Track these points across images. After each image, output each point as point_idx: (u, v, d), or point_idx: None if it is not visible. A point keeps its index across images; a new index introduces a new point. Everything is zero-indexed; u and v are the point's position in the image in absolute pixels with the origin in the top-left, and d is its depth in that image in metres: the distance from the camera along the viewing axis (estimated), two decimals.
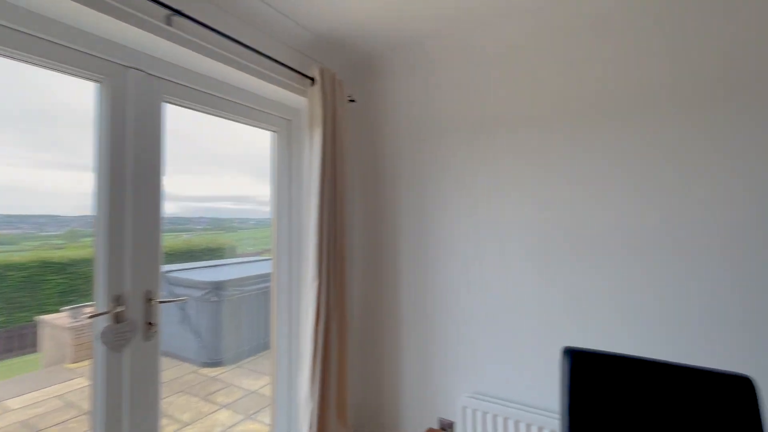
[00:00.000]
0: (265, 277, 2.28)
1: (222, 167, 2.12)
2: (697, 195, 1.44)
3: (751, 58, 1.37)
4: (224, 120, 1.83)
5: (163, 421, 1.50)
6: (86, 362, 1.38)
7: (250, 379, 2.67)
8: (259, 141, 2.10)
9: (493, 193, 1.85)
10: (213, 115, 1.77)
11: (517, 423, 1.64)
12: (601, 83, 1.61)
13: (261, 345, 2.54)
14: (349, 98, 2.18)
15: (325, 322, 1.85)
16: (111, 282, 1.33)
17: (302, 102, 2.00)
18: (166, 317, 1.58)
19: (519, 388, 1.75)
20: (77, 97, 1.38)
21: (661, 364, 0.96)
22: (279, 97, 1.97)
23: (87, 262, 1.36)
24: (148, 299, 1.43)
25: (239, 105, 1.83)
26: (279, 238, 2.06)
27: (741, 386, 0.86)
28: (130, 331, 1.37)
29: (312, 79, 1.90)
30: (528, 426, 1.61)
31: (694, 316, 1.43)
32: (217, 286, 2.49)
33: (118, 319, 1.34)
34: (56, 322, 1.54)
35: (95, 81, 1.35)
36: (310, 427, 1.75)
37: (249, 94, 1.86)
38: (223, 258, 2.49)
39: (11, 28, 1.13)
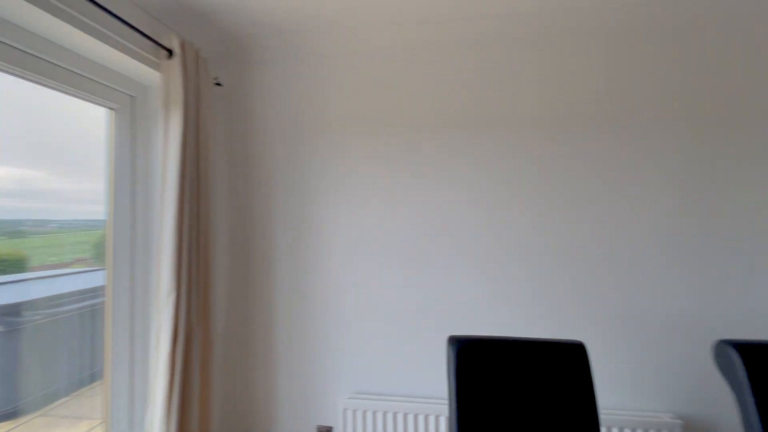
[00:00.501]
0: (88, 293, 1.79)
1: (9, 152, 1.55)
2: (561, 197, 1.79)
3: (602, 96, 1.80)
4: (47, 88, 1.35)
5: None
6: None
7: (61, 429, 2.04)
8: (82, 118, 1.62)
9: (373, 194, 1.90)
10: (20, 76, 1.28)
11: (403, 415, 1.71)
12: (477, 99, 1.85)
13: (84, 379, 1.98)
14: (215, 80, 1.91)
15: (185, 342, 1.56)
16: None
17: (153, 77, 1.65)
18: None
19: (402, 381, 1.84)
20: None
21: (523, 340, 1.15)
22: (122, 67, 1.58)
23: None
24: None
25: (61, 69, 1.38)
26: (117, 244, 1.64)
27: (577, 350, 1.10)
28: None
29: (169, 51, 1.59)
30: (415, 416, 1.71)
31: (557, 302, 1.78)
32: (5, 312, 1.82)
33: None
34: None
35: None
36: None
37: (78, 57, 1.42)
38: (12, 272, 1.83)
39: None
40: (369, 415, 1.74)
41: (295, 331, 1.94)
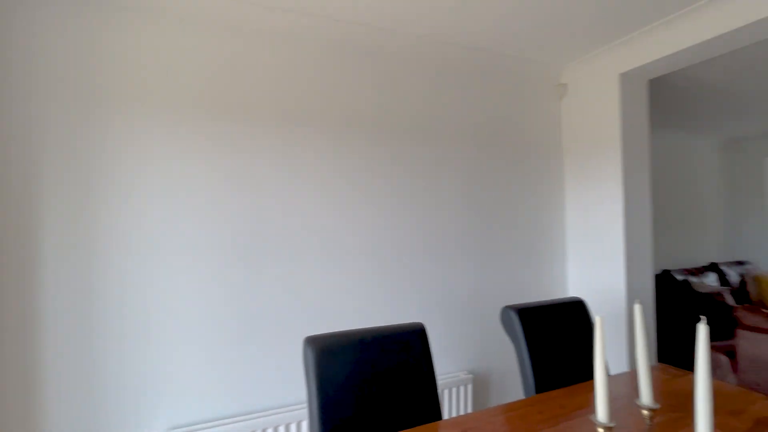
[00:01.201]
0: None
1: None
2: (390, 198, 1.91)
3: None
4: None
5: None
6: None
7: None
8: None
9: (196, 186, 1.61)
10: None
11: None
12: (315, 97, 1.80)
13: None
14: None
15: None
16: None
17: None
18: None
19: (236, 397, 1.61)
20: None
21: (373, 330, 1.20)
22: None
23: None
24: None
25: None
26: None
27: (418, 328, 1.24)
28: None
29: None
30: None
31: (381, 294, 1.89)
32: None
33: None
34: None
35: None
36: None
37: None
38: None
39: None
40: None
41: (76, 356, 1.43)
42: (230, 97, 1.68)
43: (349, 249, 1.87)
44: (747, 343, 1.96)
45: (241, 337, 1.65)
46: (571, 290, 2.46)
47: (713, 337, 3.21)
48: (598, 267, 2.28)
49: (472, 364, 2.15)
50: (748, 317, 2.02)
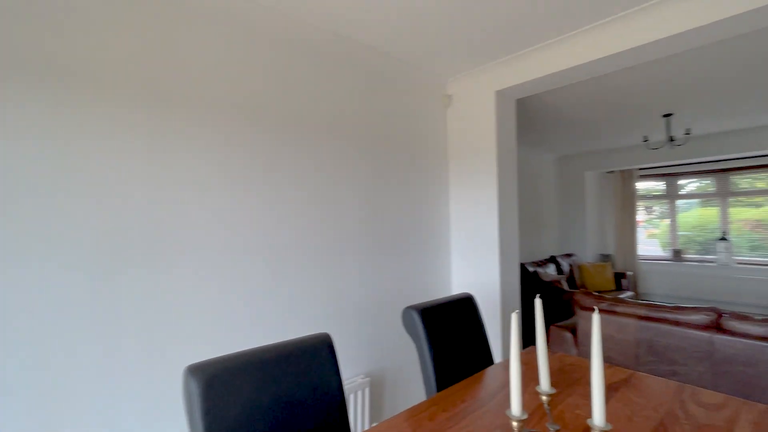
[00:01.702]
0: None
1: None
2: (298, 200, 1.71)
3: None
4: None
5: None
6: None
7: None
8: None
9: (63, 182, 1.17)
10: None
11: None
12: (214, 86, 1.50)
13: None
14: None
15: None
16: None
17: None
18: None
19: None
20: None
21: (274, 347, 1.05)
22: None
23: None
24: None
25: None
26: None
27: (325, 340, 1.13)
28: None
29: None
30: None
31: (285, 302, 1.68)
32: None
33: None
34: None
35: None
36: None
37: None
38: None
39: None
40: None
41: None
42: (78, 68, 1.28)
43: (234, 251, 1.64)
44: (584, 321, 2.43)
45: (93, 367, 1.27)
46: (455, 286, 2.66)
47: (558, 317, 3.91)
48: (477, 263, 2.52)
49: (367, 366, 2.12)
50: (584, 300, 2.51)
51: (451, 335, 1.54)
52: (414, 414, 1.15)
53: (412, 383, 2.38)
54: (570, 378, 1.38)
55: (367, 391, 1.98)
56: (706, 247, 5.93)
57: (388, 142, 2.29)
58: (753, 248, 5.59)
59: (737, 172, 5.59)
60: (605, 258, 6.17)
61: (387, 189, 2.28)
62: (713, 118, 3.88)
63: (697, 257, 5.94)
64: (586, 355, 2.38)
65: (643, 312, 2.18)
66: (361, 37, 2.05)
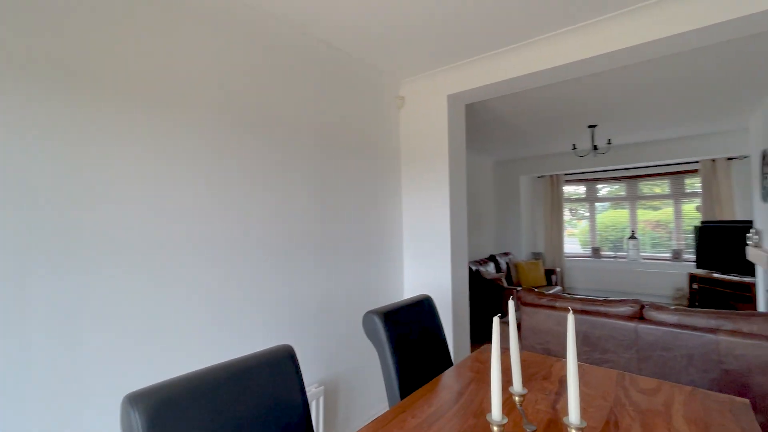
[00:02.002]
0: None
1: None
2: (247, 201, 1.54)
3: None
4: None
5: None
6: None
7: None
8: None
9: None
10: None
11: None
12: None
13: None
14: None
15: None
16: None
17: None
18: None
19: None
20: None
21: (230, 365, 0.94)
22: None
23: None
24: None
25: None
26: None
27: (287, 352, 1.03)
28: None
29: None
30: None
31: (241, 309, 1.51)
32: None
33: None
34: None
35: None
36: None
37: None
38: None
39: None
40: None
41: None
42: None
43: (174, 248, 1.46)
44: (527, 316, 2.57)
45: None
46: (407, 288, 2.67)
47: (501, 313, 4.12)
48: (429, 264, 2.55)
49: (320, 374, 2.03)
50: (526, 296, 2.66)
51: (413, 338, 1.52)
52: (383, 424, 1.10)
53: (367, 389, 2.33)
54: (526, 374, 1.43)
55: (321, 400, 1.89)
56: (617, 245, 6.68)
57: (341, 140, 2.22)
58: (654, 245, 6.42)
59: (643, 179, 6.39)
60: (537, 256, 6.67)
61: (340, 188, 2.21)
62: (630, 130, 4.38)
63: (611, 254, 6.67)
64: (530, 348, 2.52)
65: (578, 306, 2.37)
66: (315, 30, 1.96)
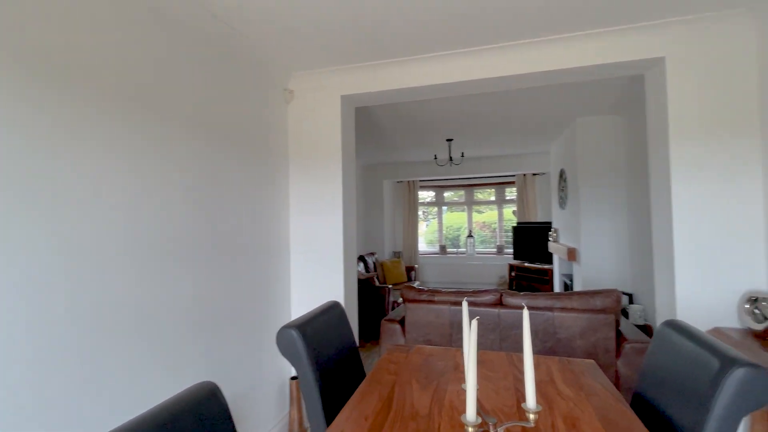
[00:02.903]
0: None
1: None
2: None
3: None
4: None
5: None
6: None
7: None
8: None
9: None
10: None
11: None
12: None
13: None
14: None
15: None
16: None
17: None
18: None
19: None
20: None
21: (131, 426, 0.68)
22: None
23: None
24: None
25: None
26: None
27: (212, 389, 0.81)
28: None
29: None
30: None
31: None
32: None
33: None
34: None
35: None
36: None
37: None
38: None
39: None
40: None
41: None
42: None
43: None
44: (410, 312, 2.74)
45: None
46: (295, 293, 2.50)
47: (377, 310, 4.26)
48: (320, 267, 2.45)
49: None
50: (408, 293, 2.84)
51: (330, 350, 1.43)
52: None
53: (257, 406, 2.07)
54: (437, 369, 1.51)
55: None
56: (455, 243, 7.86)
57: (225, 130, 1.92)
58: (482, 242, 7.81)
59: (476, 187, 7.70)
60: (397, 255, 7.23)
61: (218, 180, 1.91)
62: (475, 146, 5.18)
63: (454, 251, 7.79)
64: (413, 341, 2.70)
65: (452, 299, 2.66)
66: (198, 11, 1.63)
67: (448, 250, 7.78)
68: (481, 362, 1.56)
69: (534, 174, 6.86)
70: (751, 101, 1.83)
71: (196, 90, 1.73)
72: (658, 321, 2.18)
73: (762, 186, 1.83)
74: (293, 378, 2.42)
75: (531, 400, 0.82)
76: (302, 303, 2.49)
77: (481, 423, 0.77)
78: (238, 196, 2.01)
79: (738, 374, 0.91)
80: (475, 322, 0.77)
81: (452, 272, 7.47)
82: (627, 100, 3.33)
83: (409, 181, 7.42)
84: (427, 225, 8.13)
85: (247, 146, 2.08)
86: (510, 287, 6.67)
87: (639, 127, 3.33)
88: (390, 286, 4.37)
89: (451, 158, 4.78)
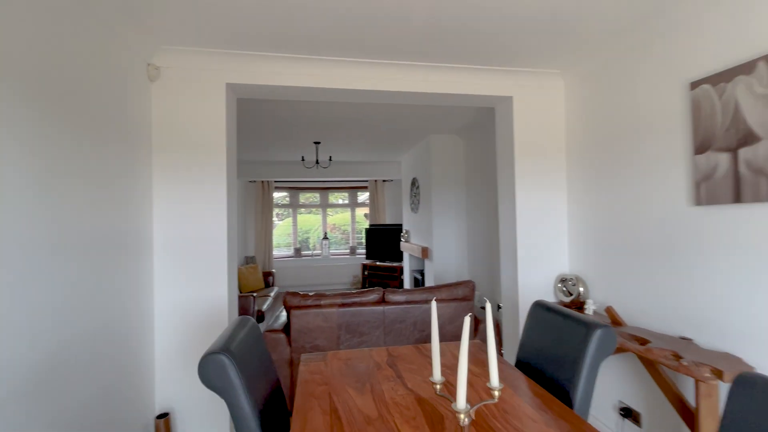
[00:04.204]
0: None
1: None
2: None
3: None
4: None
5: None
6: None
7: None
8: None
9: None
10: None
11: None
12: None
13: None
14: None
15: None
16: None
17: None
18: None
19: None
20: None
21: None
22: None
23: None
24: None
25: None
26: None
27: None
28: None
29: None
30: None
31: None
32: None
33: None
34: None
35: None
36: None
37: None
38: None
39: None
40: None
41: None
42: None
43: None
44: (296, 318, 2.61)
45: None
46: (161, 304, 2.06)
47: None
48: (195, 276, 2.10)
49: None
50: (292, 300, 2.70)
51: (257, 373, 1.26)
52: None
53: None
54: (363, 371, 1.54)
55: None
56: (304, 245, 7.88)
57: (63, 96, 1.45)
58: (334, 243, 8.07)
59: (331, 190, 7.89)
60: (250, 260, 6.70)
61: (75, 174, 1.44)
62: (339, 150, 5.31)
63: (309, 253, 7.77)
64: (300, 349, 2.60)
65: (339, 301, 2.69)
66: None
67: (304, 252, 7.70)
68: (396, 357, 1.66)
69: (384, 180, 7.52)
70: (561, 132, 2.56)
71: (38, 37, 1.24)
72: (503, 301, 2.77)
73: (566, 196, 2.57)
74: (160, 417, 1.98)
75: (494, 378, 0.95)
76: (170, 320, 2.07)
77: (446, 410, 0.86)
78: (94, 188, 1.53)
79: (598, 333, 1.28)
80: (468, 318, 0.85)
81: (308, 275, 7.42)
82: (469, 126, 4.07)
83: (263, 181, 7.00)
84: (274, 227, 7.83)
85: (93, 121, 1.61)
86: (363, 285, 7.10)
87: (475, 147, 4.12)
88: (254, 294, 4.06)
89: (318, 161, 4.78)
